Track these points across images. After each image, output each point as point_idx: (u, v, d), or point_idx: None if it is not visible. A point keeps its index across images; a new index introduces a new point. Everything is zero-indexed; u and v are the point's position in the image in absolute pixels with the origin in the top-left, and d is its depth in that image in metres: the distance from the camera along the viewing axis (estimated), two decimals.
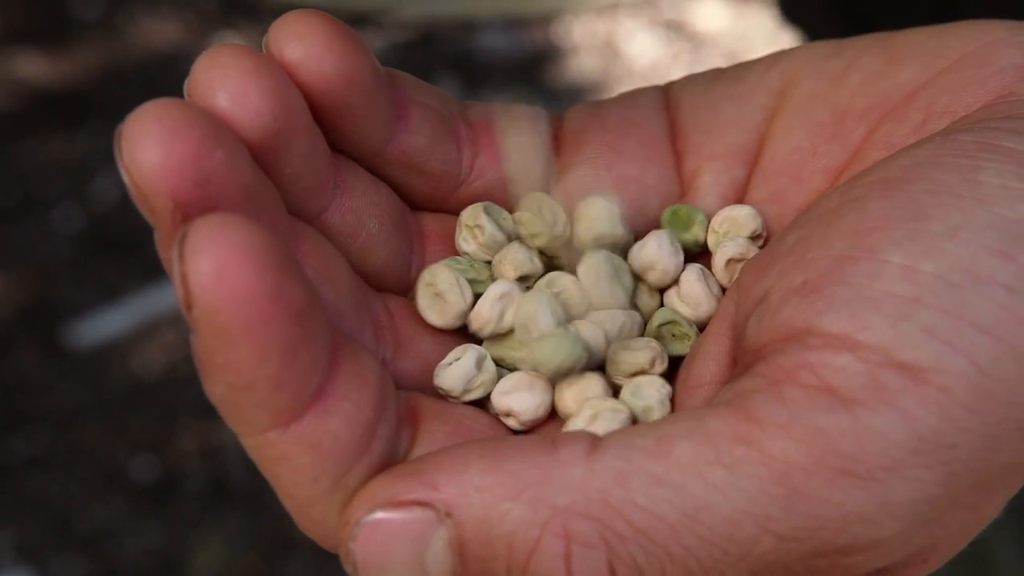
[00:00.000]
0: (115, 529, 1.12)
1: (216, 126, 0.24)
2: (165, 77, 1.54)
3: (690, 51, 1.56)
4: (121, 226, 1.35)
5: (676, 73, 1.51)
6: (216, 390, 0.24)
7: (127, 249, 1.32)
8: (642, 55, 1.57)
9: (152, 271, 1.30)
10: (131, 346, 1.27)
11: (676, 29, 1.59)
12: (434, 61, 1.58)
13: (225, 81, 0.25)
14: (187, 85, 0.25)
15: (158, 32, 1.61)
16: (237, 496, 1.15)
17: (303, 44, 0.27)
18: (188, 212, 0.23)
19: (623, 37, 1.60)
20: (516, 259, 0.30)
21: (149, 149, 0.23)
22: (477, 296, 0.29)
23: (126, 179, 0.23)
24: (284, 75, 0.26)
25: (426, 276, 0.29)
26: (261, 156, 0.26)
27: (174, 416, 1.21)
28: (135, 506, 1.14)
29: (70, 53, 1.57)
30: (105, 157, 1.44)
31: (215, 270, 0.22)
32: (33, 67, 1.55)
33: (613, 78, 1.55)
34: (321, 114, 0.27)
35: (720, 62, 1.55)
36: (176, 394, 1.23)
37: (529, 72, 1.57)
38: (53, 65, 1.56)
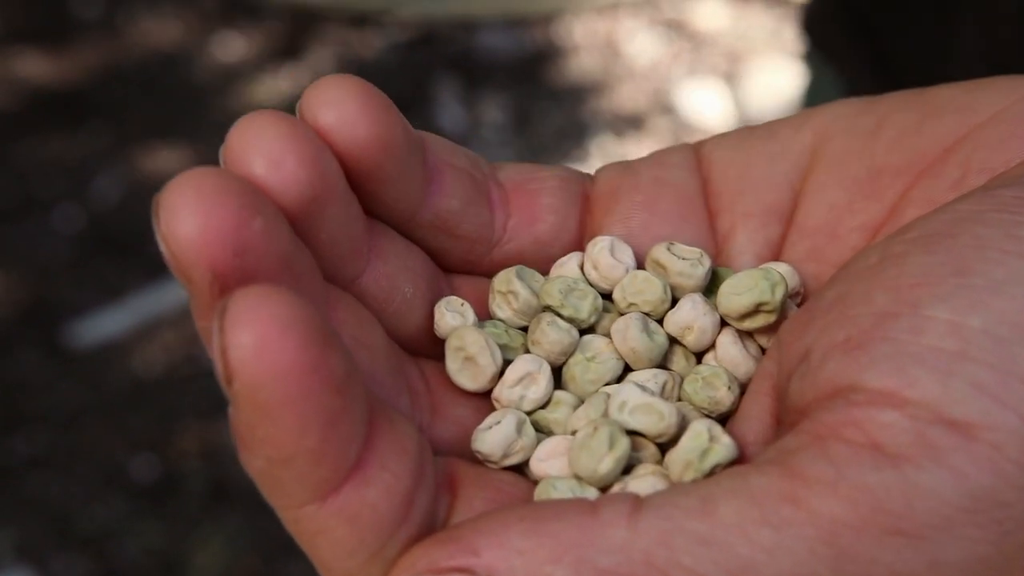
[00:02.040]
0: (115, 529, 1.12)
1: (254, 195, 0.24)
2: (166, 77, 1.54)
3: (690, 51, 1.56)
4: (121, 226, 1.35)
5: (677, 72, 1.51)
6: (255, 464, 0.23)
7: (127, 249, 1.32)
8: (642, 55, 1.57)
9: (152, 271, 1.30)
10: (131, 346, 1.27)
11: (676, 29, 1.59)
12: (435, 61, 1.58)
13: (261, 147, 0.25)
14: (223, 152, 0.25)
15: (158, 32, 1.61)
16: (237, 496, 1.14)
17: (337, 109, 0.26)
18: (226, 283, 0.23)
19: (624, 37, 1.60)
20: (551, 340, 0.29)
21: (187, 219, 0.23)
22: (508, 362, 0.29)
23: (164, 249, 0.23)
24: (319, 141, 0.26)
25: (454, 340, 0.29)
26: (297, 223, 0.25)
27: (174, 416, 1.21)
28: (135, 506, 1.14)
29: (71, 53, 1.57)
30: (106, 157, 1.44)
31: (256, 344, 0.22)
32: (34, 67, 1.55)
33: (614, 78, 1.55)
34: (355, 179, 0.27)
35: (721, 62, 1.55)
36: (177, 394, 1.23)
37: (530, 72, 1.57)
38: (54, 65, 1.56)
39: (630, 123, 1.49)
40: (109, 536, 1.12)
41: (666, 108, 1.50)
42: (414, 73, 1.56)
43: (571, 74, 1.56)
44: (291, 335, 0.22)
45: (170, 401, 1.22)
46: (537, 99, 1.53)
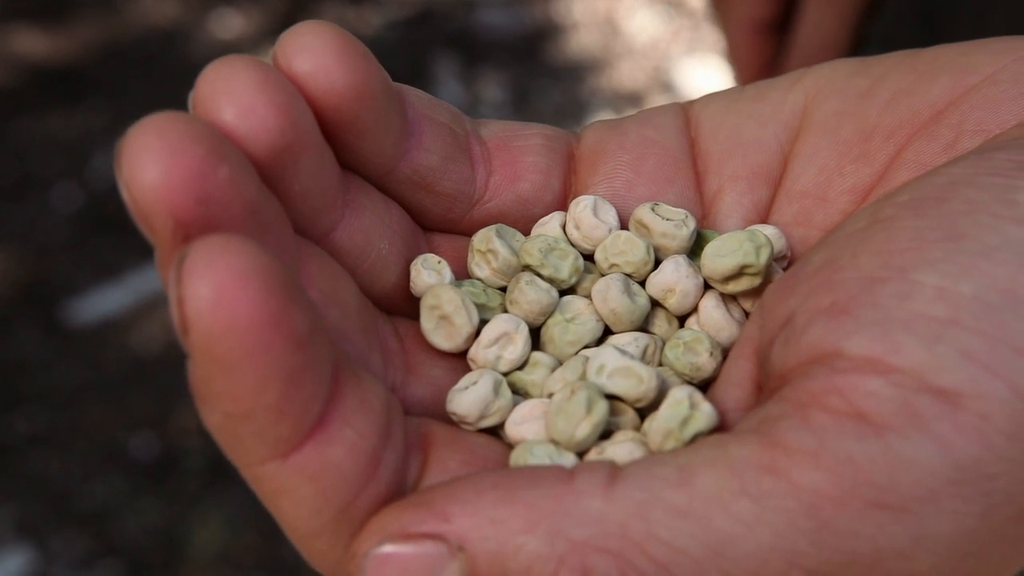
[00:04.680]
0: (115, 507, 1.12)
1: (221, 142, 0.23)
2: (164, 54, 1.53)
3: (690, 28, 1.56)
4: (120, 204, 1.34)
5: (676, 50, 1.51)
6: (212, 419, 0.23)
7: (126, 227, 1.32)
8: (642, 32, 1.56)
9: (150, 249, 1.29)
10: (130, 324, 1.27)
11: (676, 6, 1.59)
12: (433, 38, 1.57)
13: (231, 94, 0.24)
14: (191, 98, 0.24)
15: (157, 9, 1.60)
16: (237, 474, 1.14)
17: (313, 56, 0.25)
18: (189, 232, 0.22)
19: (623, 14, 1.59)
20: (529, 299, 0.29)
21: (149, 165, 0.22)
22: (484, 322, 0.28)
23: (125, 196, 0.22)
24: (293, 88, 0.25)
25: (429, 299, 0.28)
26: (267, 173, 0.24)
27: (173, 394, 1.21)
28: (135, 484, 1.14)
29: (69, 30, 1.57)
30: (104, 135, 1.44)
31: (213, 295, 0.21)
32: (32, 44, 1.55)
33: (613, 55, 1.54)
34: (330, 130, 0.26)
35: (720, 40, 1.55)
36: (175, 371, 1.22)
37: (529, 49, 1.56)
38: (52, 42, 1.55)
39: (629, 101, 1.49)
40: (109, 514, 1.12)
41: (666, 86, 1.49)
42: (412, 51, 1.55)
43: (570, 52, 1.56)
44: (250, 287, 0.21)
45: (169, 379, 1.22)
46: (536, 77, 1.53)
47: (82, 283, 1.30)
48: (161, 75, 1.51)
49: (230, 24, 1.59)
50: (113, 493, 1.13)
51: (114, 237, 1.33)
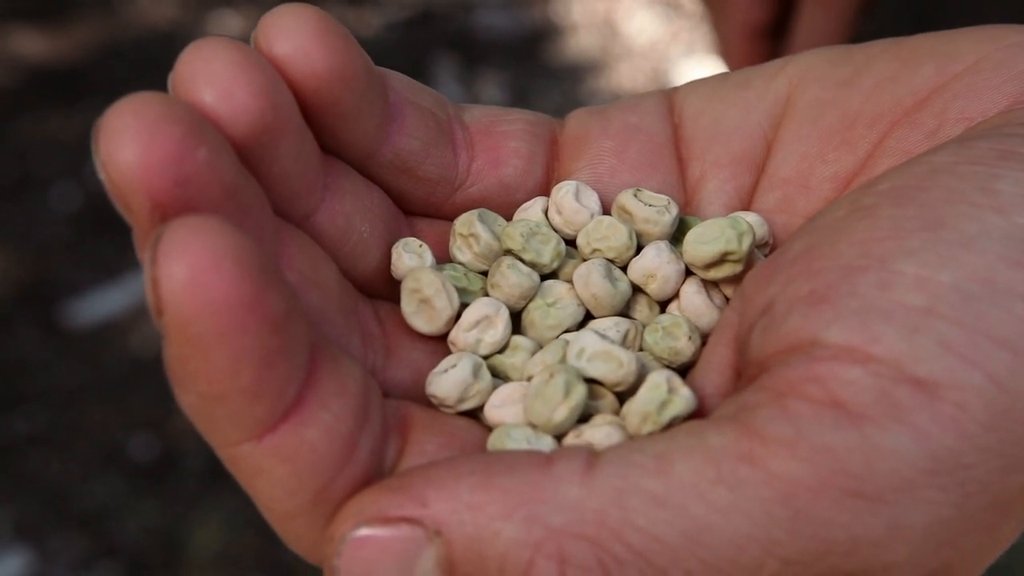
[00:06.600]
0: (114, 507, 1.12)
1: (199, 123, 0.23)
2: (163, 55, 1.53)
3: (689, 30, 1.56)
4: None
5: (675, 52, 1.51)
6: (187, 399, 0.23)
7: (125, 227, 1.31)
8: (641, 34, 1.56)
9: None
10: (129, 324, 1.27)
11: (675, 7, 1.59)
12: (433, 40, 1.57)
13: (210, 75, 0.24)
14: (170, 79, 0.24)
15: (156, 10, 1.60)
16: None
17: (293, 39, 0.25)
18: (166, 213, 0.22)
19: (622, 16, 1.59)
20: (511, 283, 0.29)
21: (127, 145, 0.22)
22: (465, 305, 0.28)
23: (102, 176, 0.22)
24: (273, 70, 0.25)
25: (409, 282, 0.28)
26: (247, 155, 0.24)
27: (173, 395, 1.20)
28: (134, 485, 1.14)
29: (68, 30, 1.57)
30: None
31: (188, 276, 0.21)
32: (31, 44, 1.55)
33: (612, 57, 1.54)
34: (311, 113, 0.26)
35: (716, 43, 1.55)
36: None
37: (528, 51, 1.56)
38: (51, 42, 1.55)
39: None
40: (108, 515, 1.12)
41: (664, 87, 1.49)
42: (412, 51, 1.55)
43: (570, 53, 1.56)
44: (225, 268, 0.21)
45: (168, 380, 1.22)
46: (535, 78, 1.53)
47: (82, 283, 1.30)
48: (161, 75, 1.51)
49: (229, 24, 1.59)
50: (113, 493, 1.13)
51: (114, 237, 1.34)
